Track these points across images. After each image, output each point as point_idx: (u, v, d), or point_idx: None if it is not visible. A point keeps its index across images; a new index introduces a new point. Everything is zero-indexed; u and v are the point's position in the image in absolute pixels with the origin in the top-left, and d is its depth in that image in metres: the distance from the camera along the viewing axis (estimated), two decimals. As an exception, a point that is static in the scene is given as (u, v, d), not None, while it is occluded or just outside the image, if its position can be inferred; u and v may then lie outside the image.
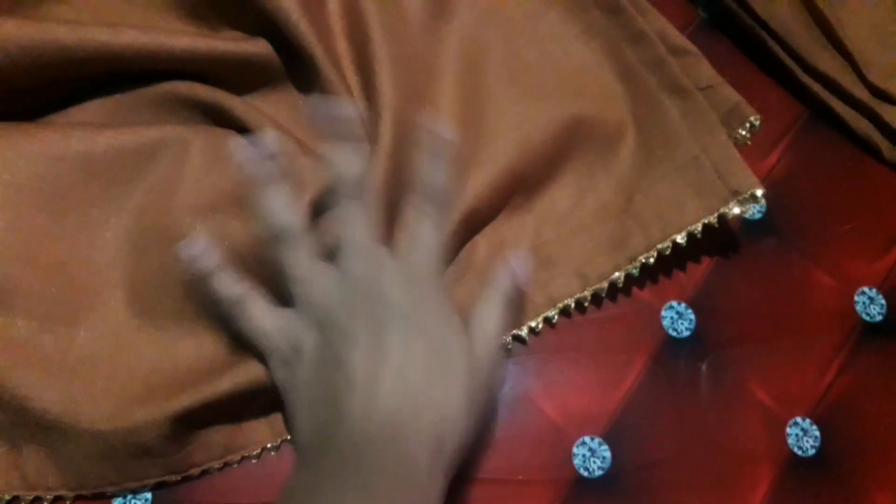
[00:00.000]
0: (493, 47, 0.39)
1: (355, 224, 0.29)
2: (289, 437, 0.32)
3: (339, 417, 0.24)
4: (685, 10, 0.43)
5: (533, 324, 0.35)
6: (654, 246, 0.34)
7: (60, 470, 0.30)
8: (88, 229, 0.32)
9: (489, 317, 0.29)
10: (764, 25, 0.40)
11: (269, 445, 0.32)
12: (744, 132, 0.36)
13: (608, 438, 0.34)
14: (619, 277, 0.35)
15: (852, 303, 0.37)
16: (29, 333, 0.29)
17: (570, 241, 0.36)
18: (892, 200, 0.40)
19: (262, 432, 0.32)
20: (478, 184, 0.34)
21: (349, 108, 0.33)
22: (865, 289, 0.38)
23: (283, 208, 0.28)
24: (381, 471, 0.23)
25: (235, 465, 0.32)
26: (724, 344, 0.36)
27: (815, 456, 0.34)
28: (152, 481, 0.31)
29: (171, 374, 0.31)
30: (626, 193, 0.36)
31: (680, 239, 0.34)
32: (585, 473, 0.33)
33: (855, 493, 0.34)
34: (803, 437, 0.35)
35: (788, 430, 0.35)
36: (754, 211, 0.39)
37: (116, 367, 0.30)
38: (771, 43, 0.40)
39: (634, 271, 0.35)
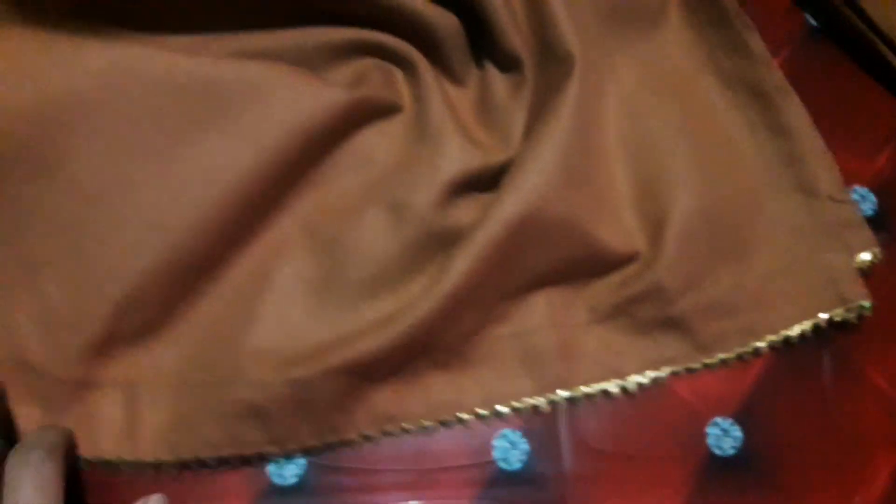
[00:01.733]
0: (654, 96, 0.40)
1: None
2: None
3: None
4: (793, 17, 0.45)
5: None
6: (779, 330, 0.36)
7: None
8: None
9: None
10: (875, 29, 0.41)
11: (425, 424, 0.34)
12: (869, 257, 0.37)
13: (738, 419, 0.35)
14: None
15: (964, 294, 0.39)
16: None
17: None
18: None
19: (417, 405, 0.34)
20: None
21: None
22: (978, 282, 0.39)
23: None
24: None
25: (390, 437, 0.34)
26: (843, 332, 0.37)
27: (939, 442, 0.35)
28: (309, 444, 0.33)
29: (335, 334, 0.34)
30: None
31: (794, 332, 0.36)
32: (718, 452, 0.35)
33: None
34: (925, 423, 0.36)
35: (910, 415, 0.36)
36: (867, 208, 0.40)
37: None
38: (881, 46, 0.42)
39: (749, 349, 0.36)
